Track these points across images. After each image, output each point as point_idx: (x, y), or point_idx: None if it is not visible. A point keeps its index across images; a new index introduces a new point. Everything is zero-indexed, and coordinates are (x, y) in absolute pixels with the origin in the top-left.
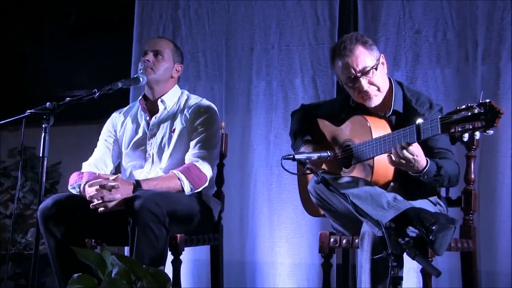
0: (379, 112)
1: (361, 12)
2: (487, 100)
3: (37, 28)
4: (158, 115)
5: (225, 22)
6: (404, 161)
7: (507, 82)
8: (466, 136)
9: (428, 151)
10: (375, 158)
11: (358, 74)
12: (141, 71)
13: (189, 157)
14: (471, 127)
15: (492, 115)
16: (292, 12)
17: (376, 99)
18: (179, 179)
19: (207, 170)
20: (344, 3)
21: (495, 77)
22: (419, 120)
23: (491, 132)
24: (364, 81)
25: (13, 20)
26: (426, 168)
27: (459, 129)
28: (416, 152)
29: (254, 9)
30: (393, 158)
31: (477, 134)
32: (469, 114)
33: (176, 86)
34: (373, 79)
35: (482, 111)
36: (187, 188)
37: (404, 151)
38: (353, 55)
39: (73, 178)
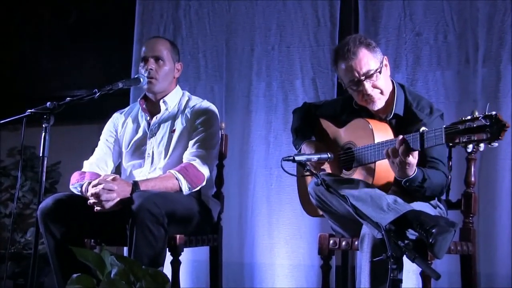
0: (381, 114)
1: (361, 14)
2: (493, 113)
3: (37, 28)
4: (159, 115)
5: (226, 22)
6: (398, 161)
7: (508, 85)
8: (470, 147)
9: (421, 158)
10: (377, 162)
11: (362, 78)
12: (145, 79)
13: (187, 156)
14: (475, 139)
15: (497, 128)
16: (292, 13)
17: (379, 103)
18: (176, 179)
19: (204, 169)
20: (345, 4)
21: (496, 79)
22: (423, 128)
23: (495, 144)
24: (367, 85)
25: (13, 19)
26: (411, 176)
27: (464, 140)
28: (410, 160)
29: (255, 10)
30: (388, 154)
31: (482, 146)
32: (474, 125)
33: (178, 87)
34: (377, 82)
35: (487, 124)
36: (185, 188)
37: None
38: (357, 58)
39: (74, 178)
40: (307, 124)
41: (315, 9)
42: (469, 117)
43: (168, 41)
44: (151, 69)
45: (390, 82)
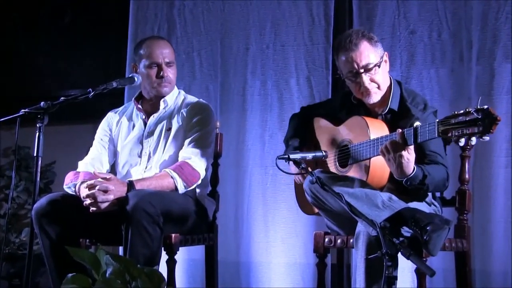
0: (376, 109)
1: (356, 12)
2: (485, 106)
3: (33, 27)
4: (157, 114)
5: (220, 21)
6: (397, 155)
7: (501, 82)
8: (462, 141)
9: (419, 153)
10: (371, 159)
11: (361, 70)
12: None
13: (182, 155)
14: (468, 132)
15: (489, 121)
16: (287, 12)
17: (375, 97)
18: (172, 177)
19: (199, 167)
20: (339, 3)
21: (490, 77)
22: (417, 123)
23: (487, 138)
24: (365, 78)
25: (9, 19)
26: (411, 175)
27: (456, 134)
28: (407, 156)
29: (249, 9)
30: (387, 147)
31: (473, 140)
32: (467, 119)
33: (175, 86)
34: (375, 76)
35: (479, 117)
36: (180, 186)
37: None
38: (358, 50)
39: (68, 178)
40: (300, 134)
41: (310, 7)
42: (461, 111)
43: (169, 42)
44: (168, 76)
45: (388, 78)
